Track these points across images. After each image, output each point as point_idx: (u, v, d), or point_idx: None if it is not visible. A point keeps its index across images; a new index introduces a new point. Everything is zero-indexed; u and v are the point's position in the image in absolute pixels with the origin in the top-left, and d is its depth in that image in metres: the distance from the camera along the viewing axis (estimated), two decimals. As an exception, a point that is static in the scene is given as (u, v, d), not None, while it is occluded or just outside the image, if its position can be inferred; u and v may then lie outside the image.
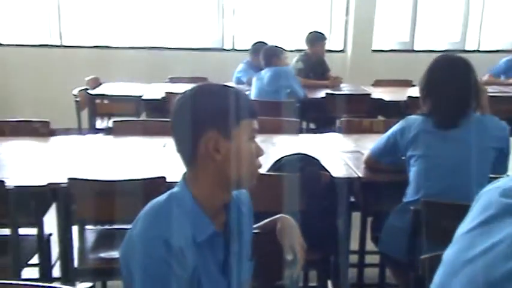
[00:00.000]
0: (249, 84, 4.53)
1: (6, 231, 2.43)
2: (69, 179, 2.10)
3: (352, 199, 2.55)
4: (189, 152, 1.26)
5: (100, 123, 4.72)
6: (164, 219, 1.21)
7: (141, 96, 4.39)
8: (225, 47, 6.39)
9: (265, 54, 4.44)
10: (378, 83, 5.33)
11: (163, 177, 2.13)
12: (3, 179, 2.05)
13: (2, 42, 6.02)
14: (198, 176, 1.27)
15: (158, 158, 2.64)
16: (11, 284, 1.26)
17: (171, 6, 6.20)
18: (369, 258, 2.63)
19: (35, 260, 2.37)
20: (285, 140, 2.98)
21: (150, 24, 6.27)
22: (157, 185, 2.10)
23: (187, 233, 1.21)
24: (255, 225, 1.53)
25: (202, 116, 1.24)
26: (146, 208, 1.27)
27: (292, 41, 6.07)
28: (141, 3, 6.21)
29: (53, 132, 3.05)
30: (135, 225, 1.24)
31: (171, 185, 2.08)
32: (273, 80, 4.27)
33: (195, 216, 1.24)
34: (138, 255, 1.18)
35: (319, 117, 4.67)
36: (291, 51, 5.14)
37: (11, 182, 2.09)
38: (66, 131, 3.45)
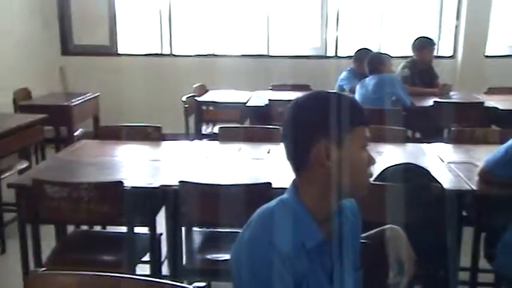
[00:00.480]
0: (352, 92, 4.46)
1: (123, 229, 2.61)
2: (180, 182, 2.20)
3: (464, 213, 2.42)
4: (300, 160, 1.27)
5: (205, 129, 4.91)
6: (274, 225, 1.22)
7: (245, 103, 4.49)
8: (327, 54, 6.36)
9: (371, 61, 4.35)
10: (491, 91, 5.01)
11: (269, 183, 2.16)
12: (121, 180, 2.20)
13: (119, 52, 6.47)
14: (308, 184, 1.27)
15: (262, 163, 2.69)
16: (132, 278, 1.33)
17: (274, 14, 6.29)
18: (482, 277, 2.48)
19: (146, 257, 2.51)
20: (391, 149, 2.90)
21: (253, 33, 6.40)
22: (263, 190, 2.14)
23: (297, 240, 1.21)
24: (362, 235, 1.51)
25: (314, 124, 1.24)
26: (256, 213, 1.29)
27: (397, 47, 5.91)
28: (245, 13, 6.37)
29: (163, 137, 3.21)
30: (245, 230, 1.27)
31: (277, 191, 2.12)
32: (378, 88, 4.17)
33: (305, 223, 1.24)
34: (248, 260, 1.20)
35: (425, 126, 4.48)
36: (397, 57, 4.99)
37: (128, 183, 2.23)
38: (175, 136, 3.60)
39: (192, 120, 4.71)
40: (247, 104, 4.46)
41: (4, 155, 3.46)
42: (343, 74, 5.12)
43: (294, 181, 1.31)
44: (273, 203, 1.29)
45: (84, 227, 2.99)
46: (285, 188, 1.33)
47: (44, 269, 1.29)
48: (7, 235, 3.55)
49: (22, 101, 4.69)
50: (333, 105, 1.25)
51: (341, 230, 1.32)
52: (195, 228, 2.64)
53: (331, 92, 1.32)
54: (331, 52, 6.35)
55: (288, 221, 1.23)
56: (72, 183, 2.17)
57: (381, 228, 1.55)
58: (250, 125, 4.37)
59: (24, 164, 3.87)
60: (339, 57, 6.25)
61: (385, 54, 4.43)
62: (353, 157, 1.24)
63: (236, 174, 2.52)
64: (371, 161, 1.29)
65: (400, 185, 2.08)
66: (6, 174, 3.57)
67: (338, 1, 6.25)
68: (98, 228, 3.10)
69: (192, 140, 3.71)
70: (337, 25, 6.30)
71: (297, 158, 1.28)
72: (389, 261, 1.47)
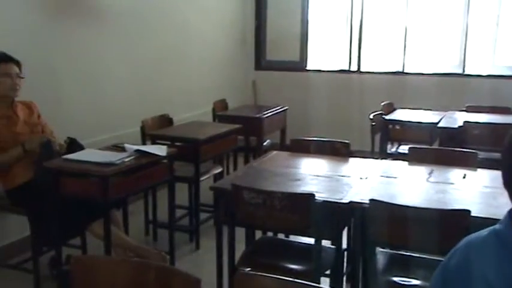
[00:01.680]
0: None
1: (304, 239, 2.68)
2: (371, 200, 2.19)
3: None
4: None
5: (390, 148, 4.80)
6: (486, 257, 1.14)
7: (436, 123, 4.29)
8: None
9: None
10: None
11: (468, 211, 2.03)
12: (313, 192, 2.26)
13: (307, 68, 6.70)
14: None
15: (456, 188, 2.53)
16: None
17: (472, 30, 5.91)
18: None
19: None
20: None
21: (444, 50, 6.10)
22: (460, 218, 2.02)
23: (510, 276, 1.12)
24: None
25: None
26: (464, 243, 1.22)
27: None
28: (434, 30, 6.11)
29: (351, 153, 3.23)
30: (450, 259, 1.20)
31: (476, 220, 1.98)
32: None
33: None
34: (453, 289, 1.14)
35: None
36: None
37: (318, 196, 2.28)
38: (360, 153, 3.59)
39: (377, 138, 4.65)
40: (439, 125, 4.25)
41: (204, 160, 3.81)
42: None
43: (511, 211, 1.21)
44: (483, 233, 1.21)
45: (269, 234, 3.13)
46: (485, 218, 1.24)
47: (249, 269, 1.38)
48: (201, 233, 3.88)
49: (219, 111, 5.12)
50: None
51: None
52: (380, 249, 2.59)
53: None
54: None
55: (501, 255, 1.13)
56: (267, 191, 2.30)
57: None
58: (443, 147, 4.16)
59: (218, 169, 4.21)
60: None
61: None
62: None
63: (427, 198, 2.41)
64: None
65: None
66: (204, 177, 3.92)
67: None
68: (281, 236, 3.24)
69: (379, 158, 3.65)
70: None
71: (516, 187, 1.18)
72: None
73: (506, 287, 1.11)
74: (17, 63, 3.18)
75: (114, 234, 2.97)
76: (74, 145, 3.18)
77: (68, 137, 3.24)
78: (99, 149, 3.15)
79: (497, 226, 1.22)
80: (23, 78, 3.19)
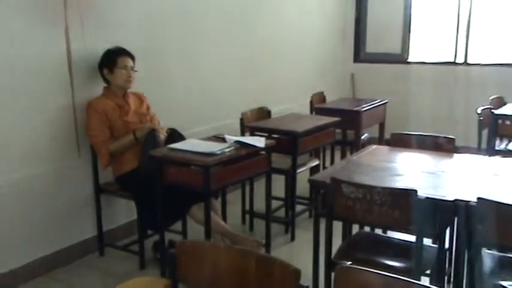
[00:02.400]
0: None
1: (403, 236, 2.61)
2: (479, 198, 2.07)
3: None
4: None
5: (498, 144, 4.52)
6: None
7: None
8: None
9: None
10: None
11: None
12: (415, 188, 2.18)
13: (409, 60, 6.47)
14: None
15: None
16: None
17: None
18: None
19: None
20: None
21: None
22: None
23: None
24: None
25: None
26: None
27: None
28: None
29: (456, 149, 3.08)
30: None
31: None
32: None
33: None
34: None
35: None
36: None
37: (420, 192, 2.20)
38: (466, 149, 3.41)
39: (484, 134, 4.39)
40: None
41: (302, 152, 3.82)
42: None
43: None
44: None
45: (367, 228, 3.08)
46: None
47: (350, 263, 1.36)
48: (296, 225, 3.91)
49: (317, 104, 5.10)
50: None
51: None
52: (484, 249, 2.45)
53: None
54: None
55: None
56: (367, 185, 2.25)
57: None
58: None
59: (315, 162, 4.21)
60: None
61: None
62: None
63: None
64: None
65: None
66: (300, 169, 3.93)
67: None
68: (378, 231, 3.17)
69: (486, 155, 3.45)
70: None
71: None
72: None
73: None
74: (132, 57, 3.39)
75: (213, 220, 3.07)
76: (173, 135, 3.34)
77: (169, 128, 3.40)
78: (201, 139, 3.26)
79: None
80: (136, 71, 3.39)
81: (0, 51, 2.88)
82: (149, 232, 3.54)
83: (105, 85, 3.39)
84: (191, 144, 3.08)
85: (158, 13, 3.93)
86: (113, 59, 3.31)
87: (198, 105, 4.45)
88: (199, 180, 2.85)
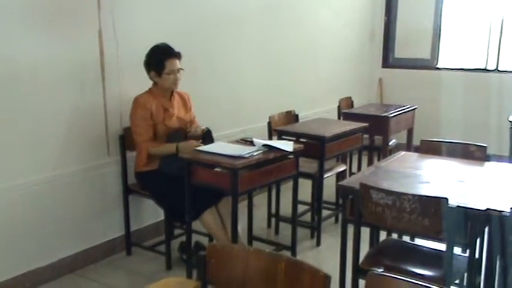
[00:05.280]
0: None
1: (431, 244, 2.57)
2: (512, 208, 2.03)
3: None
4: None
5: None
6: None
7: None
8: None
9: None
10: None
11: None
12: (445, 197, 2.15)
13: (438, 66, 6.38)
14: None
15: None
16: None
17: None
18: None
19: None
20: None
21: None
22: None
23: None
24: None
25: None
26: None
27: None
28: None
29: (487, 157, 3.02)
30: None
31: None
32: None
33: None
34: None
35: None
36: None
37: (451, 201, 2.17)
38: (498, 158, 3.36)
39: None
40: None
41: (329, 157, 3.80)
42: None
43: None
44: None
45: (394, 235, 3.05)
46: None
47: (381, 270, 1.35)
48: (322, 230, 3.89)
49: (345, 109, 5.07)
50: None
51: None
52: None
53: None
54: None
55: None
56: (397, 192, 2.23)
57: None
58: None
59: (342, 168, 4.18)
60: None
61: None
62: None
63: None
64: None
65: None
66: (327, 174, 3.91)
67: None
68: (406, 238, 3.13)
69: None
70: None
71: None
72: None
73: None
74: (179, 57, 3.32)
75: (217, 232, 3.21)
76: (208, 137, 3.35)
77: (206, 127, 3.40)
78: (229, 142, 3.28)
79: None
80: (182, 70, 3.34)
81: (35, 52, 2.94)
82: (176, 233, 3.56)
83: (152, 83, 3.35)
84: (220, 146, 3.10)
85: (192, 16, 3.97)
86: (161, 62, 3.24)
87: (228, 107, 4.47)
88: (226, 182, 2.86)
